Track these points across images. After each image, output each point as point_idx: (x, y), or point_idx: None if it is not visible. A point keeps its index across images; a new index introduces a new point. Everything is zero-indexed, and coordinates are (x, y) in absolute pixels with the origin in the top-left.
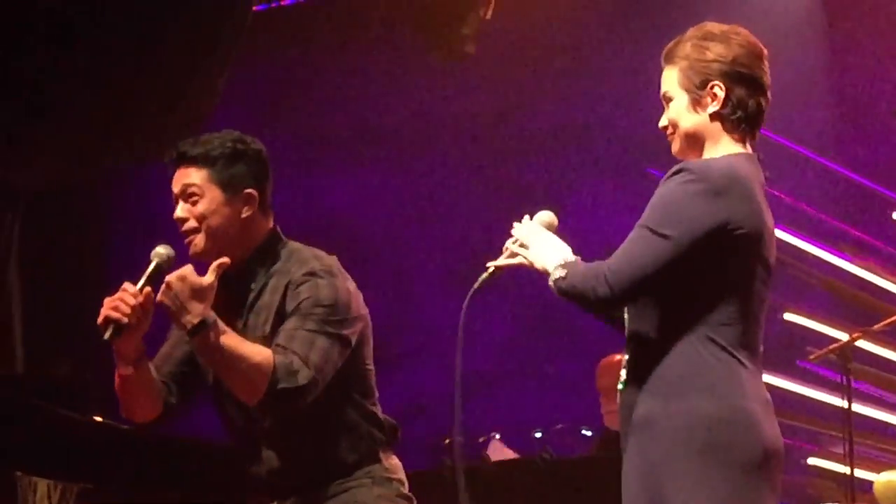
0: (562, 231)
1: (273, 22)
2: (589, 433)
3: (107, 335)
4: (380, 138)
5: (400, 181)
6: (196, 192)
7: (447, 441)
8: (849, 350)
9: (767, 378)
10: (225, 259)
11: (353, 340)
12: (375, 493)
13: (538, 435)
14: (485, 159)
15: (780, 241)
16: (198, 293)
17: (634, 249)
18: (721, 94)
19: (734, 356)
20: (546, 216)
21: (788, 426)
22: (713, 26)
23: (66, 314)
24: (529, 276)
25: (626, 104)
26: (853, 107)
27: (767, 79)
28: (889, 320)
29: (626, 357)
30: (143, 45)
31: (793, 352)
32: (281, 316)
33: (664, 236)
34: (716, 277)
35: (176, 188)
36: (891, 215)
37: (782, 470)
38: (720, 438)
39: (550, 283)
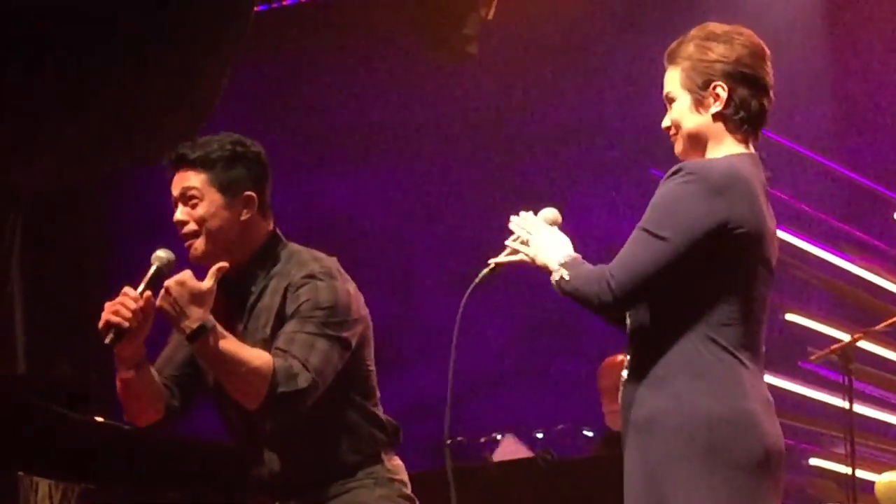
0: (564, 231)
1: (275, 22)
2: (590, 434)
3: (108, 340)
4: (381, 139)
5: (402, 182)
6: (195, 196)
7: (449, 441)
8: (850, 350)
9: (768, 378)
10: (223, 263)
11: (354, 342)
12: (377, 494)
13: (540, 435)
14: (487, 160)
15: (781, 241)
16: (197, 298)
17: (635, 253)
18: (724, 94)
19: (735, 356)
20: (550, 213)
21: (790, 427)
22: (716, 26)
23: (67, 314)
24: (531, 277)
25: (629, 104)
26: (854, 107)
27: (770, 79)
28: (890, 321)
29: (628, 357)
30: (145, 45)
31: (794, 352)
32: (281, 319)
33: (663, 238)
34: (716, 277)
35: (175, 191)
36: (892, 216)
37: (784, 470)
38: (722, 439)
39: (553, 281)
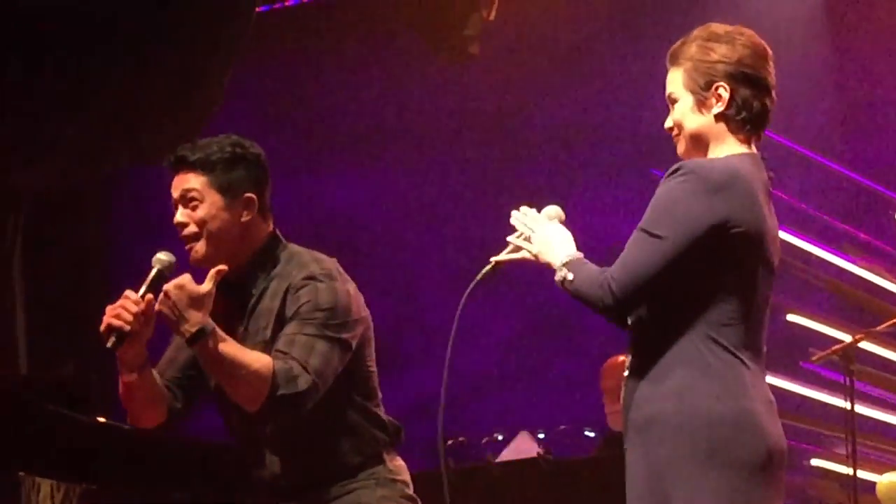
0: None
1: (276, 23)
2: (592, 434)
3: (109, 343)
4: (383, 139)
5: (403, 182)
6: (196, 198)
7: (450, 442)
8: (851, 351)
9: (770, 379)
10: (222, 266)
11: (354, 343)
12: (379, 495)
13: (541, 436)
14: (488, 160)
15: (782, 241)
16: (196, 301)
17: (634, 255)
18: (726, 94)
19: (737, 356)
20: (553, 211)
21: (791, 427)
22: (718, 27)
23: (69, 315)
24: (533, 277)
25: (630, 105)
26: (856, 107)
27: (772, 79)
28: (892, 321)
29: (629, 357)
30: (145, 45)
31: (795, 353)
32: (281, 321)
33: (660, 237)
34: (716, 277)
35: (175, 193)
36: (894, 216)
37: (786, 470)
38: (723, 439)
39: (556, 279)
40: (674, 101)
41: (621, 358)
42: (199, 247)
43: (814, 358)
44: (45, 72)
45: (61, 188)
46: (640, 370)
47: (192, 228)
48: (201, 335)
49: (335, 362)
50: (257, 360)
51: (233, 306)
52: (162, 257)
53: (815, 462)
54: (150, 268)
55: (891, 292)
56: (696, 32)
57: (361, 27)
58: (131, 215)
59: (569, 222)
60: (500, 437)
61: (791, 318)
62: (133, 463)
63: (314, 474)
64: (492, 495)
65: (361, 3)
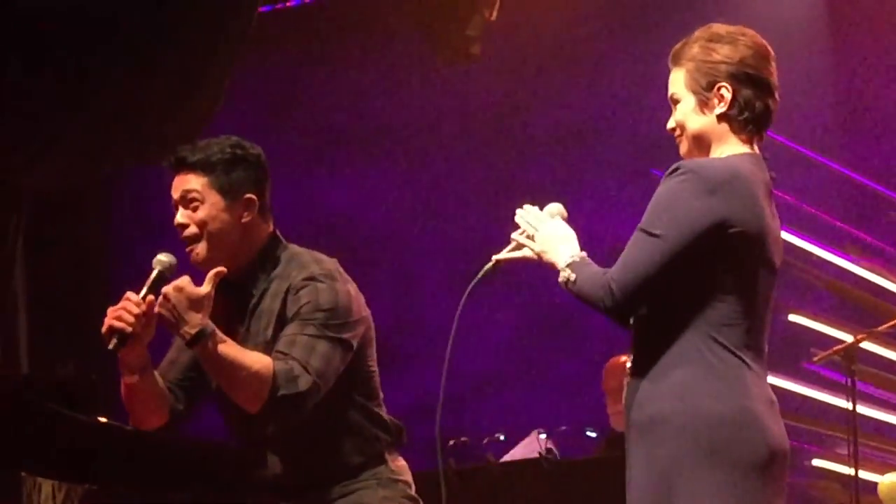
0: None
1: (277, 23)
2: (593, 434)
3: (111, 345)
4: (385, 139)
5: (404, 182)
6: (196, 198)
7: (451, 442)
8: (853, 351)
9: (771, 379)
10: (221, 268)
11: (355, 344)
12: (381, 495)
13: (542, 436)
14: (490, 160)
15: (784, 242)
16: (195, 303)
17: (634, 255)
18: (728, 95)
19: (738, 356)
20: (555, 209)
21: (793, 428)
22: (720, 27)
23: (69, 315)
24: (535, 277)
25: (631, 105)
26: (857, 107)
27: (775, 79)
28: (893, 322)
29: (631, 357)
30: (146, 45)
31: (797, 353)
32: (282, 321)
33: (659, 236)
34: (715, 277)
35: (176, 194)
36: (894, 216)
37: (788, 471)
38: (725, 439)
39: (559, 280)
40: (676, 102)
41: (623, 358)
42: (200, 248)
43: (815, 358)
44: (45, 72)
45: (62, 188)
46: (641, 370)
47: (193, 229)
48: (201, 337)
49: (336, 362)
50: (258, 360)
51: (233, 307)
52: (163, 258)
53: (816, 462)
54: (151, 269)
55: (892, 292)
56: (698, 33)
57: (362, 27)
58: (132, 216)
59: (570, 222)
60: (501, 438)
61: (792, 318)
62: (134, 463)
63: (316, 475)
64: (493, 495)
65: (362, 4)
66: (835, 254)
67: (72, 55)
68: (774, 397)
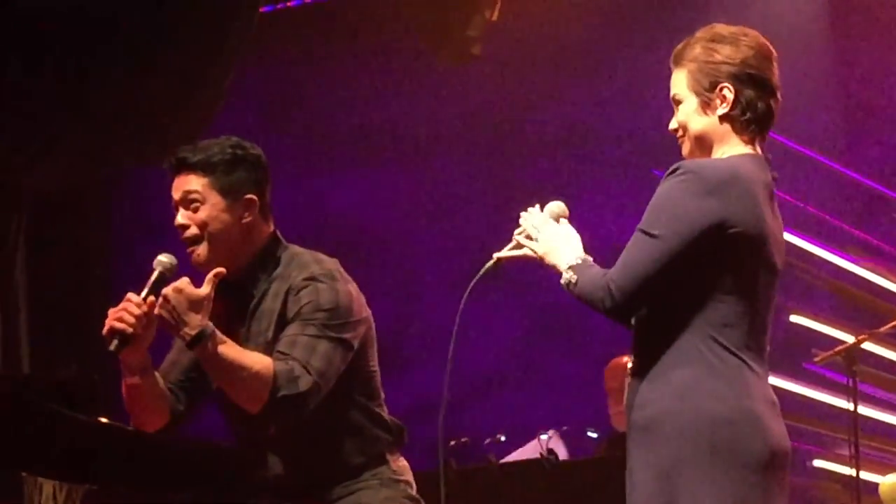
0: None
1: (278, 24)
2: (595, 435)
3: (112, 346)
4: (385, 140)
5: (405, 183)
6: (197, 199)
7: (452, 443)
8: (855, 352)
9: (772, 380)
10: (221, 269)
11: (356, 344)
12: (382, 496)
13: (544, 437)
14: (491, 161)
15: (786, 242)
16: (195, 304)
17: (633, 255)
18: (730, 95)
19: (739, 357)
20: (556, 207)
21: (794, 428)
22: (722, 28)
23: (70, 315)
24: (536, 277)
25: (632, 105)
26: (859, 108)
27: (777, 80)
28: (895, 322)
29: (632, 357)
30: (147, 46)
31: (798, 354)
32: (282, 322)
33: (658, 237)
34: (715, 277)
35: (176, 195)
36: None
37: (789, 471)
38: (726, 439)
39: (562, 282)
40: (678, 103)
41: (625, 359)
42: (201, 250)
43: (817, 359)
44: (45, 72)
45: (63, 189)
46: (642, 371)
47: (194, 230)
48: (201, 338)
49: (337, 363)
50: (258, 361)
51: (234, 308)
52: (163, 259)
53: (817, 463)
54: (152, 270)
55: (894, 293)
56: (700, 34)
57: (363, 28)
58: (133, 216)
59: (571, 222)
60: (502, 438)
61: (794, 318)
62: (135, 463)
63: (317, 475)
64: (494, 496)
65: (363, 4)
66: (836, 254)
67: (72, 55)
68: (775, 398)
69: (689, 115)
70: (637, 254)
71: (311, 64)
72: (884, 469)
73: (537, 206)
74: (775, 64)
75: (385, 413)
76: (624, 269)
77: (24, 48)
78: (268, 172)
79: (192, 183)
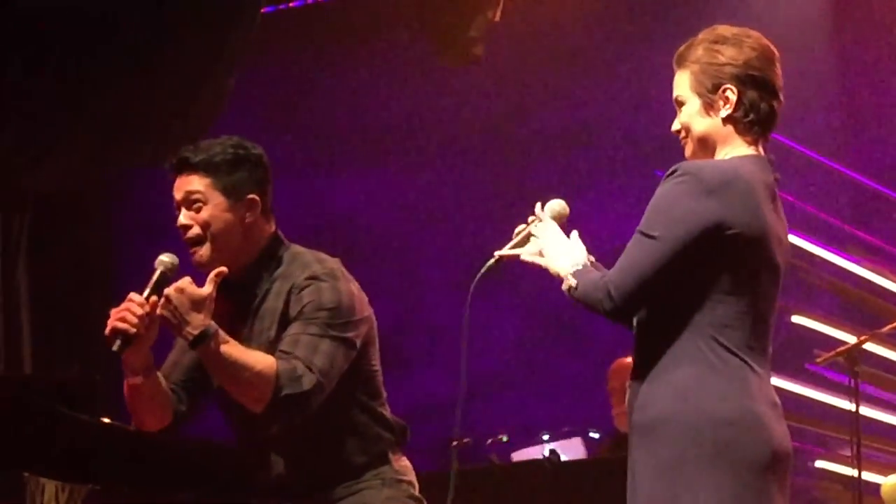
0: (571, 231)
1: (280, 24)
2: (597, 435)
3: (115, 347)
4: (387, 140)
5: (407, 183)
6: (199, 199)
7: (454, 443)
8: (856, 353)
9: (774, 380)
10: (223, 269)
11: (358, 343)
12: (385, 495)
13: (546, 437)
14: (493, 161)
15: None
16: (197, 304)
17: (632, 256)
18: (733, 97)
19: (740, 358)
20: (557, 205)
21: (795, 429)
22: (725, 29)
23: (72, 316)
24: (538, 278)
25: (635, 106)
26: (862, 109)
27: (780, 81)
28: None
29: (634, 358)
30: (152, 47)
31: (800, 354)
32: (285, 321)
33: (656, 238)
34: (715, 278)
35: (178, 195)
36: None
37: (791, 472)
38: (728, 440)
39: (563, 289)
40: (681, 104)
41: (628, 359)
42: (204, 250)
43: (818, 359)
44: (45, 72)
45: (64, 190)
46: (643, 372)
47: (196, 231)
48: (204, 338)
49: (339, 362)
50: (261, 360)
51: (236, 307)
52: (165, 259)
53: (819, 464)
54: (153, 270)
55: (895, 293)
56: (702, 35)
57: (365, 28)
58: (134, 217)
59: (572, 223)
60: (504, 439)
61: (796, 319)
62: (137, 464)
63: (319, 475)
64: (496, 496)
65: (365, 5)
66: (838, 255)
67: (72, 55)
68: (777, 399)
69: (692, 117)
70: (636, 255)
71: (314, 64)
72: (885, 470)
73: (538, 203)
74: (778, 65)
75: (387, 412)
76: (623, 270)
77: (24, 48)
78: (269, 172)
79: (194, 183)
